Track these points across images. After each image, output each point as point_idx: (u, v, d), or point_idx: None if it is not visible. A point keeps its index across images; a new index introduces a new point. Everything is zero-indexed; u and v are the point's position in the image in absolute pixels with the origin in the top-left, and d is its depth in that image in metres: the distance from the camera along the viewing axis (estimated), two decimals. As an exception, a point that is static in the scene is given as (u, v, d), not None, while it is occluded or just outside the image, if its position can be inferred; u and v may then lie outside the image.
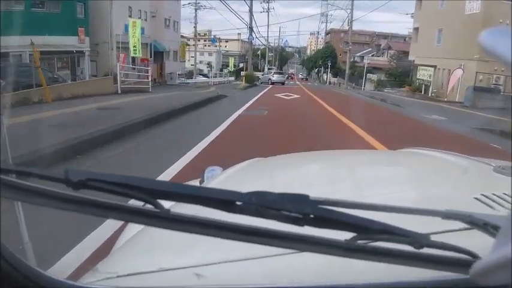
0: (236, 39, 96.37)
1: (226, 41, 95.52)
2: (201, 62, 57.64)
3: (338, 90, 30.31)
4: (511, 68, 0.31)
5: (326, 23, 57.46)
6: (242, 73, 32.90)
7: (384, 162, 1.30)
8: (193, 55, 36.86)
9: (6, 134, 0.77)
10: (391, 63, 35.94)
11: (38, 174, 0.38)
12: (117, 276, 0.53)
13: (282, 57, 66.79)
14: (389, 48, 41.13)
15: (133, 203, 0.40)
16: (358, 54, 54.06)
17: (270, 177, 1.16)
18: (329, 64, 46.97)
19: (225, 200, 0.40)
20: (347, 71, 34.36)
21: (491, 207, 0.67)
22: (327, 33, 61.86)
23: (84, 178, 0.37)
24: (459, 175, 0.96)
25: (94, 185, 0.38)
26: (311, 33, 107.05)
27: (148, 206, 0.39)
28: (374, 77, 32.63)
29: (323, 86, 37.71)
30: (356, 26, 51.72)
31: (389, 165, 1.24)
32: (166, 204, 0.40)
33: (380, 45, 55.50)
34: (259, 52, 62.74)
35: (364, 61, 37.51)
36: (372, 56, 42.28)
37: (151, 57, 22.39)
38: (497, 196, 0.71)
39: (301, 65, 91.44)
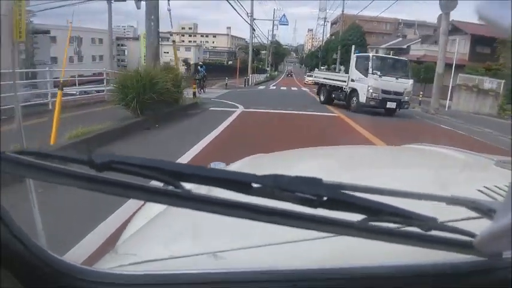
0: (225, 34, 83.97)
1: (214, 36, 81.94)
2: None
3: (453, 127, 12.52)
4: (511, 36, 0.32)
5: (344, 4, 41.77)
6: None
7: (388, 156, 1.35)
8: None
9: (21, 120, 0.79)
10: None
11: (61, 156, 0.41)
12: (129, 264, 0.55)
13: (277, 52, 50.60)
14: (455, 31, 24.45)
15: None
16: (384, 46, 38.01)
17: (276, 169, 1.22)
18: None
19: (242, 182, 0.43)
20: (438, 71, 16.21)
21: (493, 198, 0.74)
22: (334, 22, 45.64)
23: (108, 160, 0.40)
24: (462, 169, 1.02)
25: (118, 167, 0.40)
26: (309, 30, 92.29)
27: (169, 187, 0.42)
28: (486, 83, 16.15)
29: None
30: (366, 14, 35.94)
31: (394, 159, 1.29)
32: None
33: (406, 35, 38.98)
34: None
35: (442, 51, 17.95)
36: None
37: None
38: (499, 188, 0.78)
39: (300, 64, 74.70)
